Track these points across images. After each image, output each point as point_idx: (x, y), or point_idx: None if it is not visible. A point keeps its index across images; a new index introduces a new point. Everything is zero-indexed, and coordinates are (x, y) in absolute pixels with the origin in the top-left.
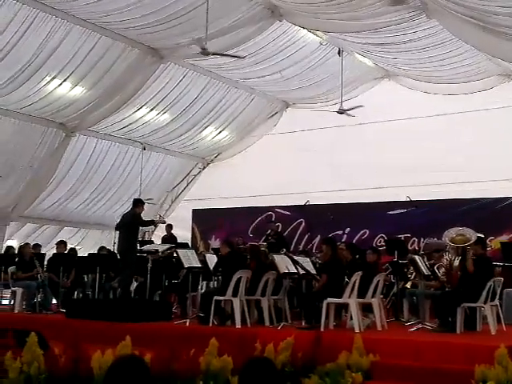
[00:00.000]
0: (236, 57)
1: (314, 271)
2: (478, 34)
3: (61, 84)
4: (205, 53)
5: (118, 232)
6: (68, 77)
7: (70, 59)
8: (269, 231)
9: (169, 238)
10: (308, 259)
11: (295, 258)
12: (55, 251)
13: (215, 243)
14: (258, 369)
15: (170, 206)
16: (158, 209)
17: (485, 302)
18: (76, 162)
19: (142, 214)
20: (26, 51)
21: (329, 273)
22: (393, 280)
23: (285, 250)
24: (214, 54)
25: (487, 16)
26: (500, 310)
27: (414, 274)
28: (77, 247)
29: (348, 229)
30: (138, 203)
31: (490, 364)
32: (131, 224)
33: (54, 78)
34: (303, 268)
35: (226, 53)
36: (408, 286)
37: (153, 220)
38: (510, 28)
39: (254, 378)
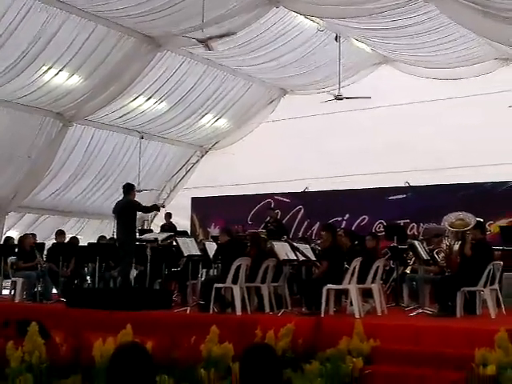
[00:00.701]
0: (231, 34)
1: (313, 258)
2: (476, 18)
3: (57, 74)
4: (201, 40)
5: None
6: (64, 66)
7: (66, 49)
8: (268, 218)
9: (168, 227)
10: (308, 246)
11: (295, 244)
12: (54, 241)
13: (214, 231)
14: (259, 355)
15: (169, 194)
16: (157, 198)
17: (484, 286)
18: (74, 152)
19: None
20: (22, 42)
21: (329, 259)
22: (392, 265)
23: (285, 237)
24: (209, 39)
25: (488, 0)
26: (500, 294)
27: (414, 259)
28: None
29: (347, 215)
30: (130, 189)
31: (491, 347)
32: (129, 211)
33: (50, 67)
34: (303, 254)
35: (220, 34)
36: (408, 271)
37: (155, 204)
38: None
39: (255, 365)
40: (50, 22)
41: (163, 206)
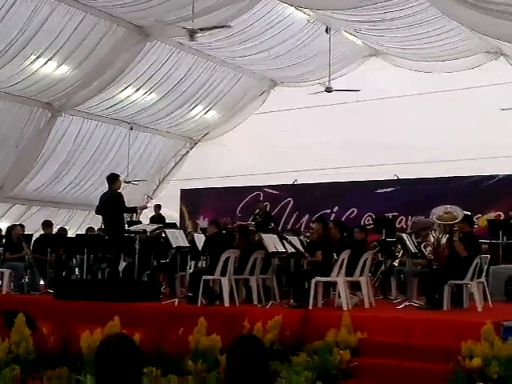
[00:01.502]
0: (223, 26)
1: (302, 249)
2: (467, 11)
3: (46, 63)
4: (191, 31)
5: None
6: (53, 56)
7: (54, 38)
8: (257, 211)
9: (157, 218)
10: (296, 238)
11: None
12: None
13: (203, 223)
14: (247, 347)
15: (158, 185)
16: (146, 189)
17: (471, 279)
18: (62, 143)
19: (130, 195)
20: (10, 30)
21: (321, 250)
22: (381, 258)
23: (272, 224)
24: (201, 30)
25: None
26: (486, 287)
27: (402, 252)
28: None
29: (336, 207)
30: (114, 180)
31: (477, 340)
32: (116, 203)
33: (38, 57)
34: (291, 244)
35: (213, 25)
36: (396, 264)
37: (135, 207)
38: (501, 5)
39: (243, 357)
40: (38, 10)
41: (145, 208)
